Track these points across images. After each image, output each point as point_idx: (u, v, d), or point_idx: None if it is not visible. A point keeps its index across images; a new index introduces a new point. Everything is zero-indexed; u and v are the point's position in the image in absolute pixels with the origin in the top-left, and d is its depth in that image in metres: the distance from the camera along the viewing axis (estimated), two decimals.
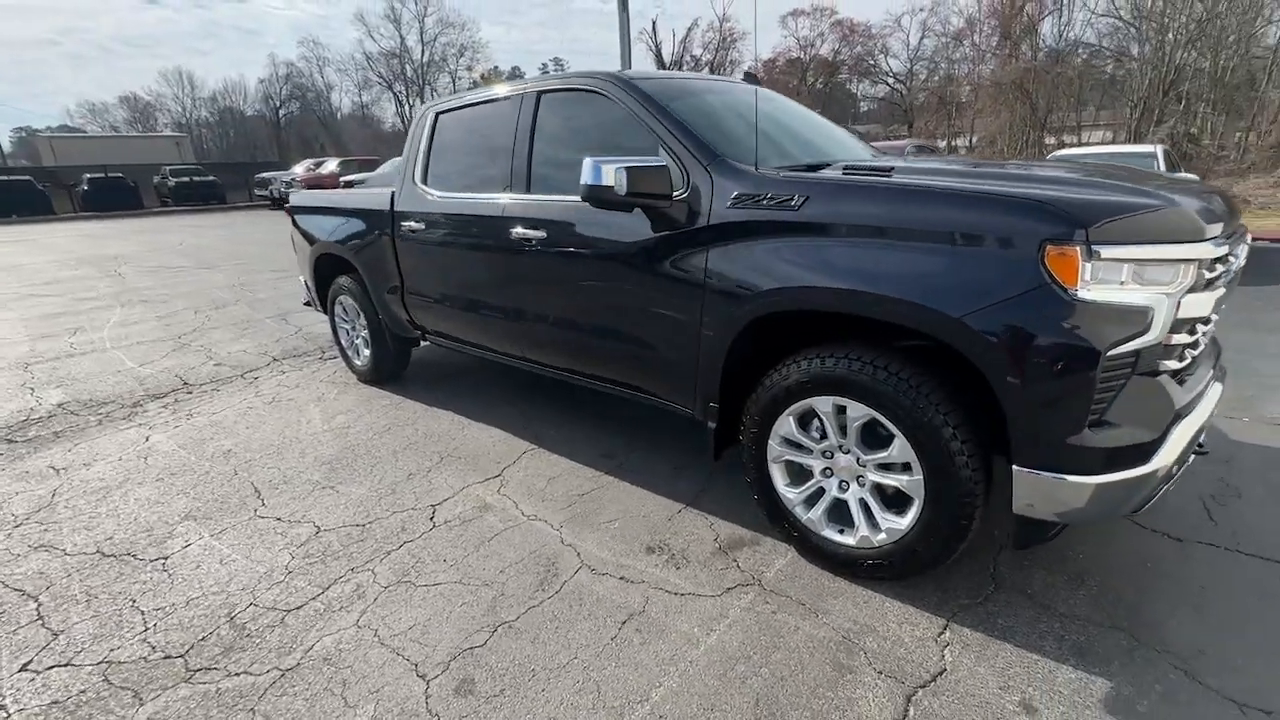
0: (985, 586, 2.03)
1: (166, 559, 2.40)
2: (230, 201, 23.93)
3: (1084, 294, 1.50)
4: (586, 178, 2.12)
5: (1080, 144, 23.99)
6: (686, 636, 1.88)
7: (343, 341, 4.52)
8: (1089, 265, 1.50)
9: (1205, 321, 1.71)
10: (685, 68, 36.22)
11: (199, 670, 1.83)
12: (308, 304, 4.90)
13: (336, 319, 4.48)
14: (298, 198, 4.71)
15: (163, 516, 2.70)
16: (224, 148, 56.12)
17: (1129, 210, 1.56)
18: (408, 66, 50.21)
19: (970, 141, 29.06)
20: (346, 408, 3.93)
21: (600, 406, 3.68)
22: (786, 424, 2.07)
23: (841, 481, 2.05)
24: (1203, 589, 1.97)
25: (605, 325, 2.58)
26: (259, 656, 1.88)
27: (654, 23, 49.36)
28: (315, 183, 20.53)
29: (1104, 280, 1.51)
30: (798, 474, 2.16)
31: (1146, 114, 23.12)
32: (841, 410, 1.94)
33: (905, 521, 1.89)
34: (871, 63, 38.25)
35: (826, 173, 2.14)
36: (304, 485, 2.93)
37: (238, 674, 1.81)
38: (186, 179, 23.20)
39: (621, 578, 2.17)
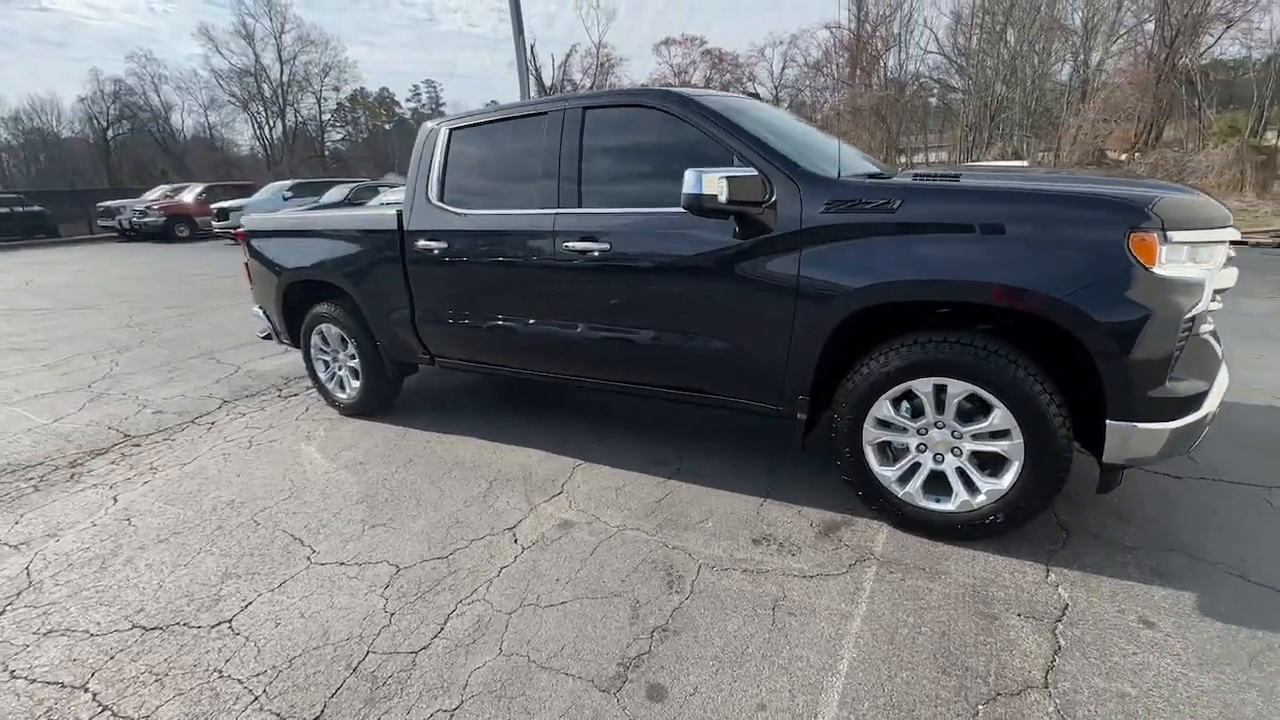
0: (1059, 534, 2.33)
1: (230, 622, 2.12)
2: (66, 234, 20.72)
3: (1161, 271, 1.84)
4: (690, 187, 2.20)
5: (927, 163, 27.42)
6: (839, 612, 1.99)
7: (321, 375, 4.17)
8: (1164, 248, 1.83)
9: (1223, 292, 2.13)
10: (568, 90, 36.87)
11: None
12: (266, 337, 4.47)
13: (313, 351, 4.12)
14: (255, 222, 4.31)
15: (196, 579, 2.37)
16: (31, 174, 48.48)
17: (1187, 203, 1.93)
18: (265, 85, 46.51)
19: None
20: (347, 443, 3.63)
21: (630, 415, 3.71)
22: (884, 407, 2.27)
23: (936, 454, 2.28)
24: (1214, 513, 2.41)
25: (679, 331, 2.65)
26: (413, 702, 1.74)
27: (532, 48, 49.73)
28: (178, 210, 18.46)
29: (1172, 260, 1.86)
30: (892, 453, 2.36)
31: (978, 137, 27.01)
32: (941, 389, 2.16)
33: (1005, 482, 2.14)
34: (741, 89, 41.24)
35: (901, 179, 2.38)
36: (350, 526, 2.69)
37: None
38: (5, 210, 19.78)
39: (745, 570, 2.23)
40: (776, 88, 39.77)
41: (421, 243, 3.30)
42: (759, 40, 64.54)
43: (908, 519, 2.35)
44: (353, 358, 3.93)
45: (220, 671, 1.90)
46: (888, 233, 2.17)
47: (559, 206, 2.88)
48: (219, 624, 2.11)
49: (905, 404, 2.27)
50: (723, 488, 2.83)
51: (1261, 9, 20.47)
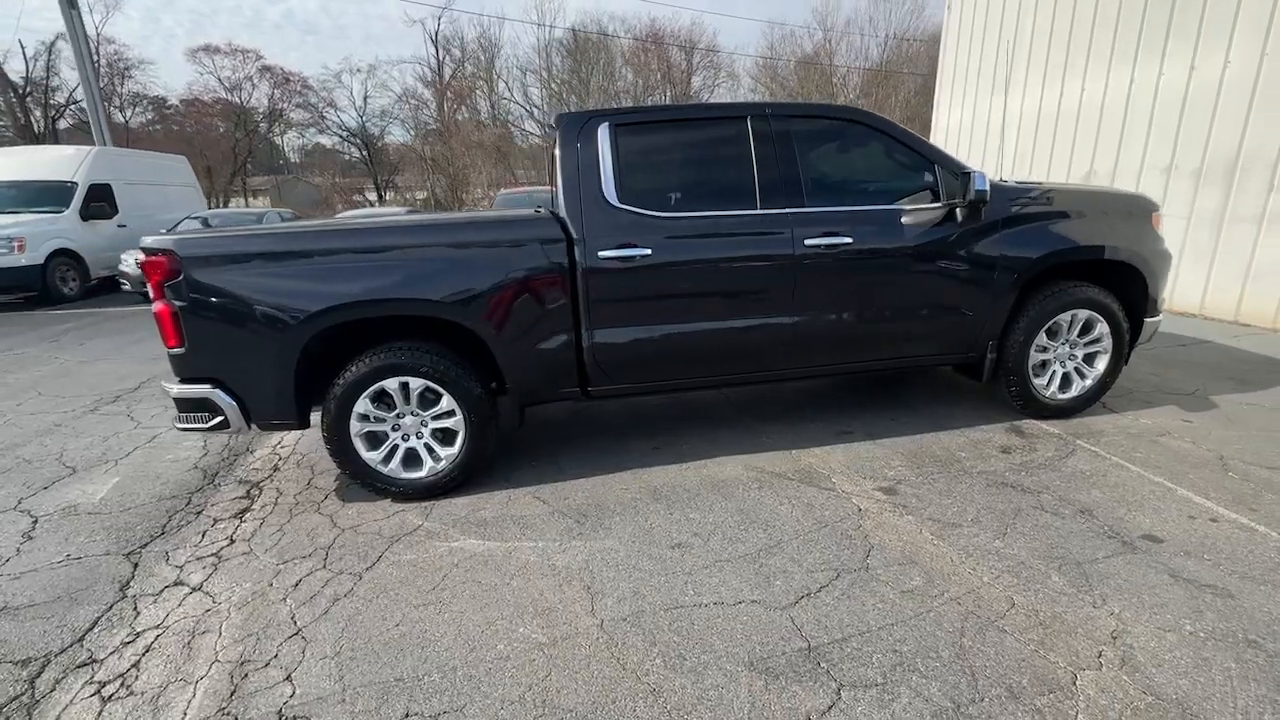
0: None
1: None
2: None
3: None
4: (978, 185, 2.87)
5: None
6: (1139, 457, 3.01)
7: (369, 456, 2.91)
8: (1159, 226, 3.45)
9: None
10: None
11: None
12: (215, 426, 2.80)
13: (355, 423, 2.86)
14: (206, 243, 2.70)
15: None
16: None
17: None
18: None
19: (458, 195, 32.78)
20: (584, 564, 2.80)
21: (740, 408, 3.90)
22: (1042, 335, 3.38)
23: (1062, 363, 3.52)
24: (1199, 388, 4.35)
25: (907, 307, 3.20)
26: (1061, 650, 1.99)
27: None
28: None
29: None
30: (1043, 367, 3.50)
31: None
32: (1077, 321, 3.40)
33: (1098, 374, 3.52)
34: (320, 115, 37.46)
35: (1015, 181, 3.47)
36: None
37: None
38: None
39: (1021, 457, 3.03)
40: (362, 116, 37.74)
41: (608, 252, 2.86)
42: (332, 64, 59.48)
43: (1037, 407, 3.53)
44: (446, 415, 2.94)
45: None
46: (1042, 220, 3.27)
47: (785, 205, 3.02)
48: None
49: (1045, 334, 3.42)
50: (923, 431, 3.50)
51: None
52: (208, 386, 2.74)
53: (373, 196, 35.04)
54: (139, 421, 4.34)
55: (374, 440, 2.94)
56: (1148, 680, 1.76)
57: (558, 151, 2.93)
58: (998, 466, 3.07)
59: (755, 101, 3.38)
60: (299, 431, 3.46)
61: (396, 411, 2.91)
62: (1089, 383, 3.56)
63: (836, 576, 2.27)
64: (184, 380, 2.77)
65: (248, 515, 2.97)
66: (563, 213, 2.88)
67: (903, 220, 3.10)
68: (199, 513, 3.02)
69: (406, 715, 1.75)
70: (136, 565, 2.58)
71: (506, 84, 35.51)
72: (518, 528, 2.73)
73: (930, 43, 37.31)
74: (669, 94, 38.21)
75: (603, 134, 2.93)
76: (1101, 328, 3.44)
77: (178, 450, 3.78)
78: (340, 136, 37.73)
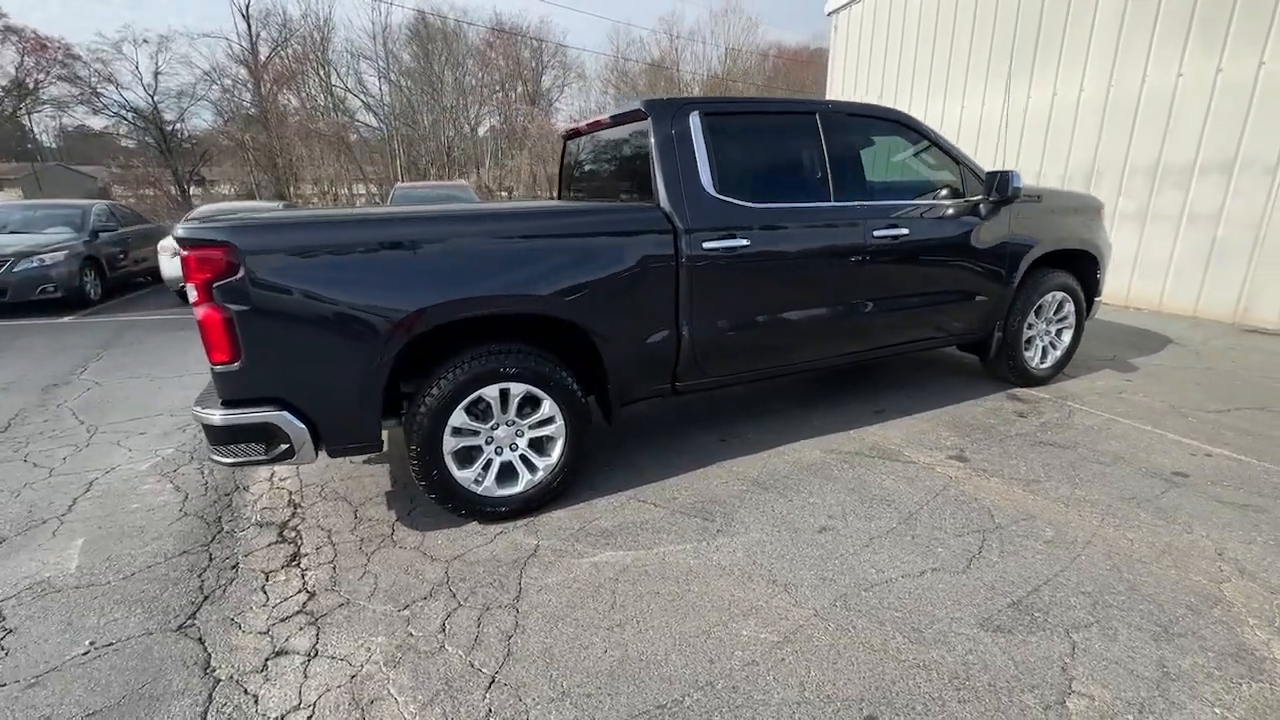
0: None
1: None
2: None
3: None
4: (1016, 183, 3.26)
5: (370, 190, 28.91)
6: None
7: (461, 474, 2.59)
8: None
9: None
10: None
11: None
12: (278, 458, 2.31)
13: (447, 437, 2.53)
14: (276, 234, 2.20)
15: None
16: None
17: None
18: None
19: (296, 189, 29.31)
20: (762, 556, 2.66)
21: (779, 395, 4.03)
22: (1031, 314, 3.93)
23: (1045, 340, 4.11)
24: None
25: (945, 291, 3.54)
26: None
27: None
28: None
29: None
30: (1028, 343, 4.05)
31: (439, 167, 30.49)
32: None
33: None
34: (93, 91, 31.10)
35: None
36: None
37: None
38: None
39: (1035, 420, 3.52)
40: (154, 95, 32.20)
41: (712, 243, 2.82)
42: (110, 33, 49.28)
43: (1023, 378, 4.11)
44: (544, 423, 2.70)
45: None
46: (1043, 215, 3.79)
47: (855, 198, 3.19)
48: None
49: (1034, 314, 3.97)
50: (933, 406, 3.87)
51: None
52: (272, 409, 2.24)
53: (211, 191, 29.97)
54: (44, 465, 3.37)
55: (465, 457, 2.60)
56: (1266, 580, 2.16)
57: (652, 140, 2.81)
58: (1026, 429, 3.51)
59: (820, 99, 3.54)
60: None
61: (492, 422, 2.60)
62: (1059, 354, 4.20)
63: (983, 539, 2.47)
64: (235, 403, 2.23)
65: (303, 561, 2.47)
66: (664, 203, 2.77)
67: (947, 213, 3.43)
68: (234, 566, 2.45)
69: None
70: (203, 641, 2.03)
71: (338, 72, 32.30)
72: (649, 533, 2.59)
73: (761, 57, 40.85)
74: (521, 90, 37.61)
75: (694, 122, 2.87)
76: (1069, 307, 4.08)
77: (141, 497, 3.01)
78: (124, 118, 31.43)
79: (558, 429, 2.69)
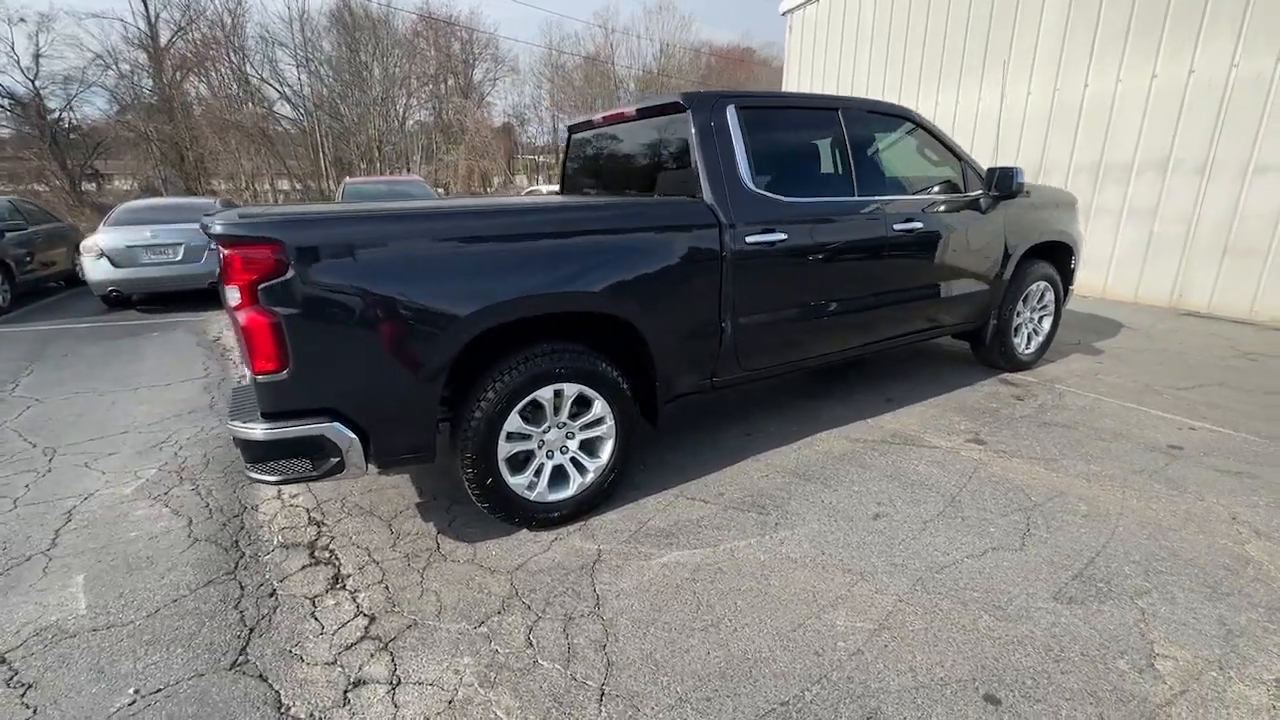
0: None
1: None
2: None
3: None
4: (1019, 179, 3.43)
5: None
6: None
7: (515, 480, 2.49)
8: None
9: None
10: None
11: None
12: (328, 471, 2.15)
13: (504, 440, 2.42)
14: (342, 228, 2.04)
15: None
16: None
17: None
18: None
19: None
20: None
21: (794, 390, 4.09)
22: (1019, 303, 4.16)
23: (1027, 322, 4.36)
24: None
25: (950, 280, 3.68)
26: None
27: None
28: None
29: None
30: (1016, 330, 4.29)
31: (368, 162, 29.23)
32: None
33: None
34: None
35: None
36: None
37: None
38: None
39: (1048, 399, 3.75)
40: (34, 80, 29.12)
41: (754, 236, 2.83)
42: None
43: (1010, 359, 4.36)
44: (595, 423, 2.63)
45: None
46: (1033, 209, 4.02)
47: (875, 192, 3.28)
48: None
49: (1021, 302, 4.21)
50: (937, 393, 4.04)
51: None
52: (323, 420, 2.06)
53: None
54: (4, 495, 2.99)
55: (517, 463, 2.49)
56: None
57: (693, 133, 2.77)
58: (1027, 411, 3.72)
59: (838, 95, 3.60)
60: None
61: (545, 425, 2.51)
62: (1040, 340, 4.47)
63: (1028, 517, 2.59)
64: (281, 416, 2.04)
65: (348, 583, 2.30)
66: (709, 197, 2.74)
67: (956, 208, 3.57)
68: (272, 594, 2.25)
69: None
70: (264, 678, 1.85)
71: (252, 61, 30.11)
72: (709, 530, 2.57)
73: (694, 54, 41.34)
74: (452, 83, 36.39)
75: (731, 115, 2.85)
76: (1050, 295, 4.35)
77: (136, 524, 2.72)
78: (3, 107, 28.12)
79: (608, 429, 2.63)
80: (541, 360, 2.38)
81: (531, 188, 12.47)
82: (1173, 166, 6.06)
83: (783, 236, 2.89)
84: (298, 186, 28.36)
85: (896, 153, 3.65)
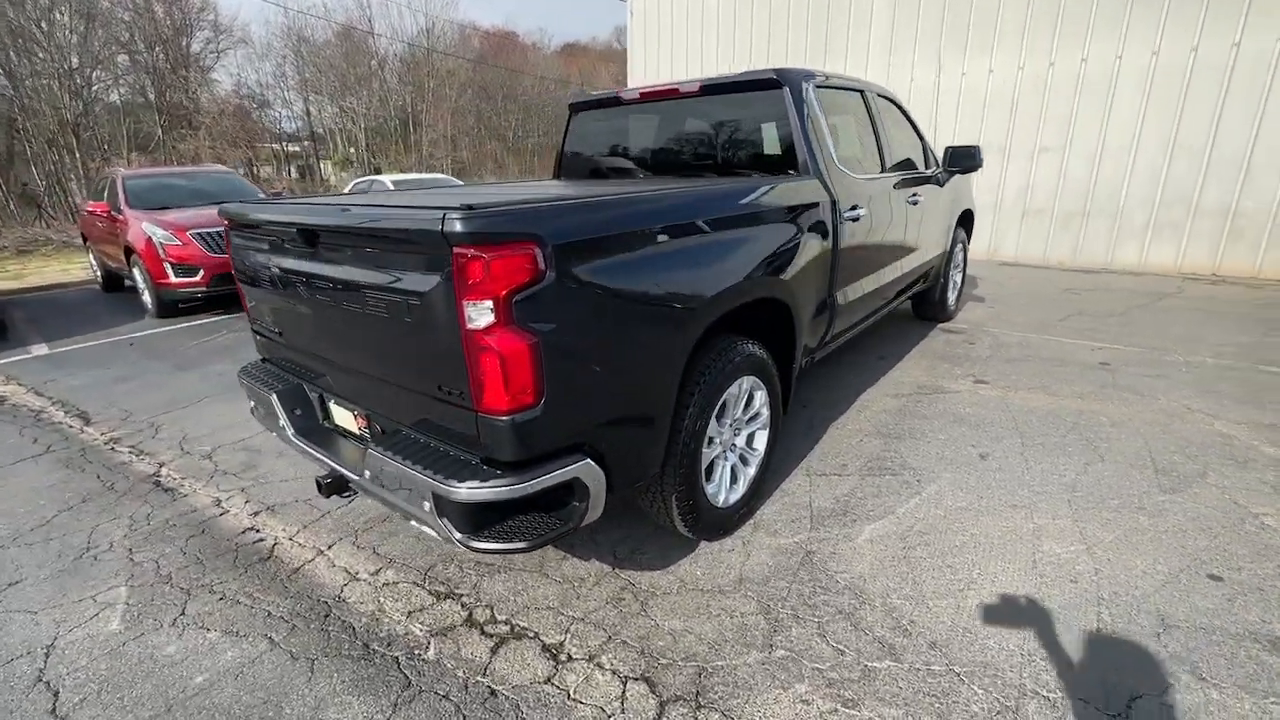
0: None
1: None
2: None
3: None
4: (979, 157, 4.01)
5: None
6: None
7: (710, 489, 2.30)
8: None
9: None
10: None
11: None
12: (556, 532, 1.79)
13: (704, 451, 2.21)
14: (608, 217, 1.66)
15: None
16: None
17: None
18: None
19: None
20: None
21: None
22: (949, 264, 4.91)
23: None
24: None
25: (930, 243, 4.18)
26: None
27: None
28: None
29: None
30: (947, 286, 5.04)
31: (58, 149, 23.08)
32: None
33: None
34: None
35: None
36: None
37: None
38: None
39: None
40: None
41: (850, 213, 2.93)
42: None
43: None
44: (754, 417, 2.54)
45: None
46: (959, 183, 4.71)
47: (896, 169, 3.58)
48: None
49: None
50: (909, 347, 4.60)
51: None
52: (577, 459, 1.66)
53: None
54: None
55: (708, 472, 2.29)
56: (1235, 419, 3.21)
57: (792, 110, 2.73)
58: (985, 353, 4.42)
59: (861, 78, 3.76)
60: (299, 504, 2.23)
61: (727, 423, 2.33)
62: (956, 293, 5.30)
63: (1084, 435, 3.12)
64: (530, 462, 1.60)
65: (571, 653, 1.92)
66: (813, 174, 2.74)
67: (936, 181, 4.05)
68: (492, 694, 1.78)
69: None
70: None
71: None
72: (872, 499, 2.63)
73: (462, 32, 39.55)
74: (160, 54, 29.46)
75: (810, 94, 2.88)
76: (963, 254, 5.19)
77: (181, 666, 1.91)
78: None
79: (764, 420, 2.53)
80: (730, 355, 2.20)
81: (368, 178, 10.42)
82: (984, 147, 7.58)
83: (864, 211, 3.02)
84: None
85: (894, 133, 4.02)
